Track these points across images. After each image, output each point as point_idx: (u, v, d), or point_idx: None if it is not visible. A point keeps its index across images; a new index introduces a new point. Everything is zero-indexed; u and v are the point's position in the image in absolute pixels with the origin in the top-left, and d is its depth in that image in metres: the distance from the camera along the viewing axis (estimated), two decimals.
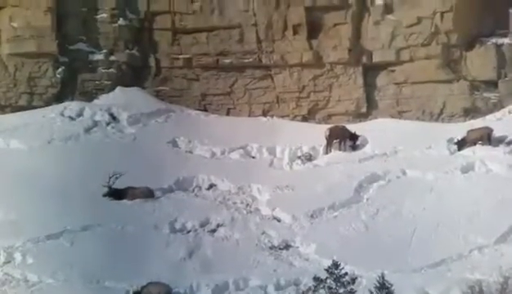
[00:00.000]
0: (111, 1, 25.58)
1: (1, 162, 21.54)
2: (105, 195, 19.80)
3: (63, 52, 25.17)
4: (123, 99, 24.88)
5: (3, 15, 25.17)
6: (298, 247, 18.28)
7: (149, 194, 20.15)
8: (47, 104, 24.82)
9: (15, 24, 25.06)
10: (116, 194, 19.88)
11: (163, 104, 25.24)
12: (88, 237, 18.16)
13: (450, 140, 22.26)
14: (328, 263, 14.45)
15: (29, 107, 24.79)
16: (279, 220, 19.46)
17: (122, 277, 16.56)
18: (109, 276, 16.66)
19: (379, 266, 15.99)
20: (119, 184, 19.99)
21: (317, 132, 23.10)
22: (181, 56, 25.63)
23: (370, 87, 24.88)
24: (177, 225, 19.07)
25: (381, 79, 24.88)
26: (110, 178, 19.73)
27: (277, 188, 20.81)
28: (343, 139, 22.92)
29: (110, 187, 19.80)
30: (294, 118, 25.09)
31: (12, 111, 24.78)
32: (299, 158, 22.56)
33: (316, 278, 14.14)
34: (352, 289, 13.94)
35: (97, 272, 16.70)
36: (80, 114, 24.17)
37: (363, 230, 18.75)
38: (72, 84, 25.23)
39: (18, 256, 17.41)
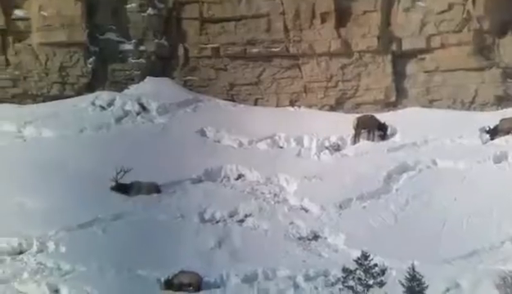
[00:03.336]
0: None
1: (33, 151, 21.89)
2: (112, 189, 19.73)
3: (93, 42, 25.37)
4: (153, 89, 25.03)
5: (33, 4, 25.35)
6: (326, 238, 18.25)
7: (154, 190, 20.01)
8: (79, 93, 25.07)
9: (45, 13, 25.22)
10: (122, 189, 19.79)
11: (192, 94, 25.33)
12: (120, 226, 18.38)
13: (482, 129, 21.93)
14: (357, 254, 14.46)
15: (61, 96, 25.08)
16: (307, 211, 19.45)
17: (153, 265, 16.72)
18: (140, 264, 16.82)
19: (410, 257, 15.81)
20: (147, 175, 20.00)
21: (345, 122, 22.95)
22: (209, 46, 25.66)
23: (399, 76, 24.58)
24: (207, 215, 19.20)
25: (411, 67, 24.55)
26: (118, 173, 19.66)
27: (305, 178, 20.76)
28: (372, 128, 22.75)
29: (116, 181, 19.75)
30: (321, 108, 24.94)
31: (44, 100, 25.10)
32: (327, 148, 22.47)
33: (345, 269, 14.14)
34: (381, 280, 13.92)
35: (129, 260, 16.87)
36: (111, 104, 24.41)
37: (392, 221, 18.63)
38: (103, 74, 25.44)
39: (51, 245, 17.67)
